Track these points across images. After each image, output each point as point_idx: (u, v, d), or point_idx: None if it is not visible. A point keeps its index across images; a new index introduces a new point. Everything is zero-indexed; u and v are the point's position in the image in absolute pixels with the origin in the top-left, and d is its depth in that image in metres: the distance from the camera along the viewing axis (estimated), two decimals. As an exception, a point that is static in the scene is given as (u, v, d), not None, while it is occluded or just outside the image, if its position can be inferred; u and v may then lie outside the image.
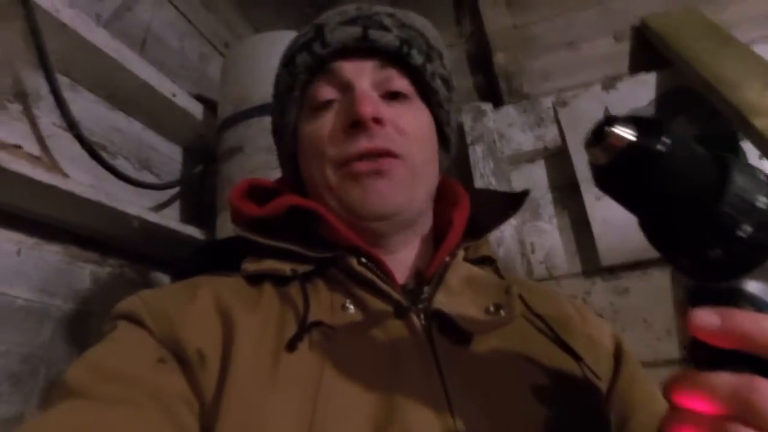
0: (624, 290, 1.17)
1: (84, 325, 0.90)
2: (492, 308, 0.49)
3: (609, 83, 1.36)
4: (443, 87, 0.59)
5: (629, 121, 0.27)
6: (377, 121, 0.51)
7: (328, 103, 0.54)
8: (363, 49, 0.54)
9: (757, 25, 1.40)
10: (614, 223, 1.15)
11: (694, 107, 1.27)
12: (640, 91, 1.33)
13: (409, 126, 0.54)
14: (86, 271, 0.94)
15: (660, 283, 1.13)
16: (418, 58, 0.55)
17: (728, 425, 0.25)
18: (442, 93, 0.58)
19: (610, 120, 0.27)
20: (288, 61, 0.57)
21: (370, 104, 0.51)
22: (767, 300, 0.27)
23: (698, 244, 0.28)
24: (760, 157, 1.16)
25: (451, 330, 0.46)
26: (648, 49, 1.44)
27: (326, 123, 0.54)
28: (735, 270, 0.28)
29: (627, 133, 0.26)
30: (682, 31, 1.34)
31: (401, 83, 0.55)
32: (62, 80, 0.88)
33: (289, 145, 0.59)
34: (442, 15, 1.76)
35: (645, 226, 0.31)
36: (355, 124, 0.51)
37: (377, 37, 0.54)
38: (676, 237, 0.29)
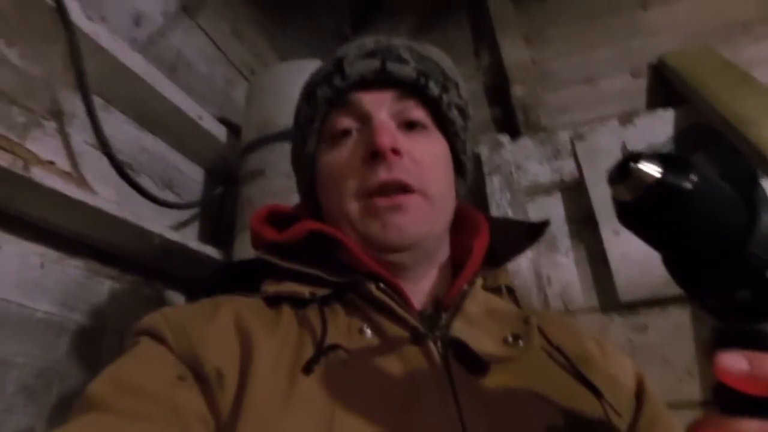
0: (642, 327, 1.15)
1: (99, 341, 0.91)
2: (510, 338, 0.49)
3: (626, 118, 1.37)
4: (459, 117, 0.60)
5: (655, 157, 0.26)
6: (395, 152, 0.52)
7: (346, 133, 0.56)
8: (381, 81, 0.56)
9: (775, 66, 1.41)
10: (633, 258, 1.14)
11: (712, 145, 1.28)
12: (658, 127, 1.33)
13: (426, 156, 0.55)
14: (105, 287, 0.95)
15: (680, 320, 1.10)
16: (435, 89, 0.57)
17: None
18: (458, 122, 0.60)
19: (635, 156, 0.26)
20: (309, 94, 0.59)
21: (389, 135, 0.52)
22: None
23: (726, 285, 0.27)
24: (780, 196, 1.16)
25: (468, 359, 0.46)
26: (665, 86, 1.46)
27: (345, 153, 0.55)
28: (763, 312, 0.27)
29: (653, 170, 0.26)
30: (700, 69, 1.36)
31: (418, 113, 0.56)
32: (96, 101, 0.92)
33: (307, 173, 0.61)
34: (462, 47, 1.80)
35: (669, 263, 0.30)
36: (374, 155, 0.52)
37: (395, 69, 0.55)
38: (702, 277, 0.28)
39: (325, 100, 0.57)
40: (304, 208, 0.65)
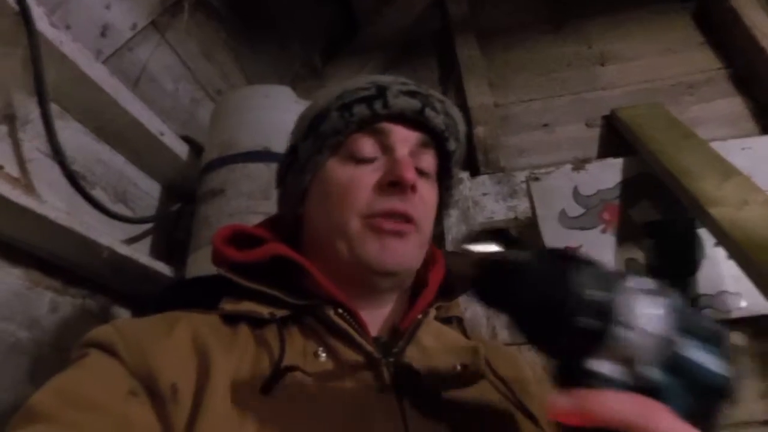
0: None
1: (35, 354, 0.86)
2: (459, 367, 0.51)
3: (579, 164, 1.45)
4: (456, 174, 0.66)
5: (490, 237, 0.34)
6: (413, 188, 0.55)
7: (368, 159, 0.58)
8: (414, 121, 0.59)
9: (715, 125, 1.53)
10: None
11: (656, 194, 1.36)
12: (607, 174, 1.41)
13: (429, 200, 0.59)
14: (46, 298, 0.91)
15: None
16: (452, 145, 0.61)
17: None
18: (454, 179, 0.65)
19: (477, 236, 0.33)
20: (344, 107, 0.59)
21: (413, 173, 0.55)
22: (611, 375, 0.31)
23: (551, 335, 0.33)
24: (716, 245, 1.23)
25: (418, 385, 0.48)
26: (616, 137, 1.55)
27: (365, 175, 0.57)
28: (581, 352, 0.32)
29: (488, 249, 0.33)
30: (648, 123, 1.45)
31: (430, 164, 0.60)
32: (53, 108, 0.90)
33: (306, 182, 0.61)
34: (429, 87, 1.85)
35: (513, 322, 0.35)
36: (394, 184, 0.55)
37: (431, 116, 0.59)
38: (536, 331, 0.34)
39: (360, 120, 0.58)
40: (272, 226, 0.65)
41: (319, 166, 0.60)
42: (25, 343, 0.85)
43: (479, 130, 1.63)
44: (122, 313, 1.07)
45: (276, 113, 1.15)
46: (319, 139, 0.60)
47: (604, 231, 1.34)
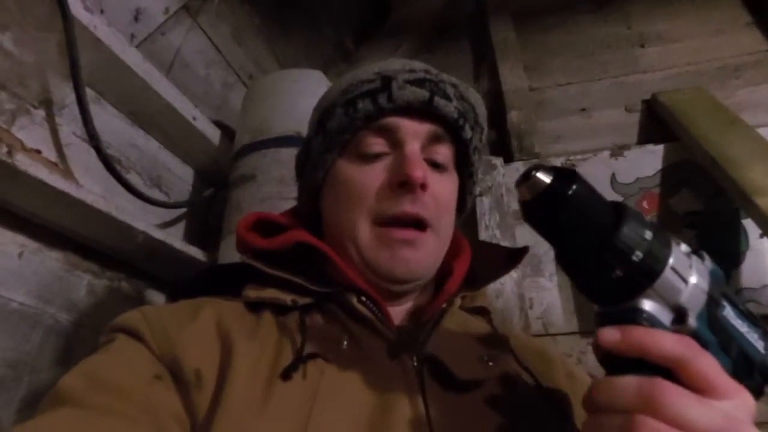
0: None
1: (73, 336, 0.89)
2: (485, 357, 0.51)
3: (617, 151, 1.40)
4: (477, 160, 0.62)
5: (550, 169, 0.33)
6: (423, 187, 0.53)
7: (377, 156, 0.56)
8: (423, 111, 0.56)
9: (763, 110, 1.45)
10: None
11: (699, 182, 1.30)
12: (647, 161, 1.36)
13: (444, 195, 0.56)
14: (84, 281, 0.93)
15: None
16: (468, 132, 0.58)
17: (637, 418, 0.29)
18: (476, 165, 0.62)
19: (537, 167, 0.33)
20: (348, 103, 0.57)
21: (422, 169, 0.53)
22: (658, 317, 0.33)
23: (602, 269, 0.33)
24: (761, 236, 1.18)
25: (442, 375, 0.47)
26: (657, 122, 1.49)
27: (370, 174, 0.55)
28: (632, 290, 0.33)
29: (545, 177, 0.33)
30: (691, 108, 1.39)
31: (446, 156, 0.58)
32: (89, 93, 0.91)
33: (318, 179, 0.60)
34: (462, 71, 1.82)
35: (559, 257, 0.36)
36: (403, 185, 0.52)
37: (441, 105, 0.55)
38: (583, 264, 0.34)
39: (365, 116, 0.56)
40: (296, 214, 0.65)
41: (329, 164, 0.58)
42: (63, 324, 0.87)
43: (513, 115, 1.59)
44: (156, 297, 1.09)
45: (307, 98, 1.13)
46: (327, 136, 0.58)
47: (643, 220, 1.29)
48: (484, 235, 1.27)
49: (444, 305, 0.55)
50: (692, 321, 0.32)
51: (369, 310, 0.50)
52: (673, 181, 1.34)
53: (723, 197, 1.24)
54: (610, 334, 0.32)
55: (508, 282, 1.18)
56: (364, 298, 0.51)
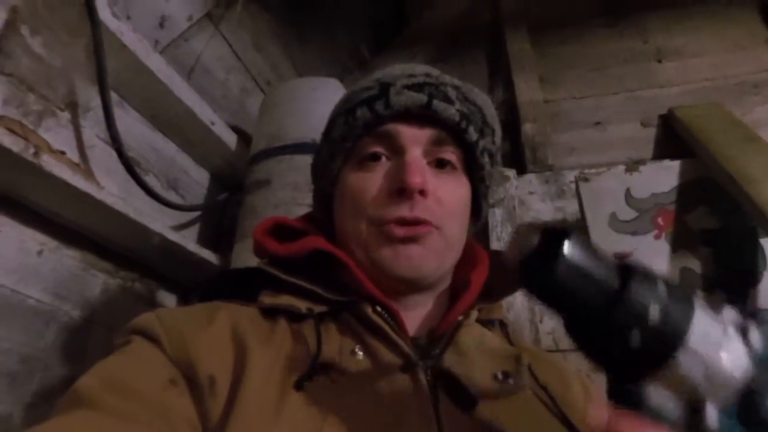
0: (631, 373, 1.14)
1: (85, 333, 0.90)
2: (500, 375, 0.49)
3: (632, 166, 1.39)
4: (488, 163, 0.60)
5: (537, 229, 0.31)
6: (422, 192, 0.52)
7: (376, 157, 0.55)
8: (423, 116, 0.55)
9: (782, 128, 1.43)
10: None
11: (715, 199, 1.29)
12: (663, 177, 1.35)
13: (450, 198, 0.55)
14: (99, 280, 0.95)
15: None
16: (473, 135, 0.56)
17: None
18: (486, 168, 0.60)
19: (521, 226, 0.30)
20: (348, 111, 0.57)
21: (420, 175, 0.52)
22: (666, 409, 0.28)
23: (602, 343, 0.30)
24: (780, 256, 1.16)
25: (456, 391, 0.46)
26: (673, 138, 1.48)
27: (371, 180, 0.55)
28: (636, 371, 0.29)
29: (533, 238, 0.30)
30: (708, 124, 1.38)
31: (451, 155, 0.56)
32: (113, 96, 0.93)
33: (328, 188, 0.60)
34: (477, 82, 1.81)
35: (567, 327, 0.33)
36: (401, 192, 0.52)
37: (440, 108, 0.54)
38: (588, 335, 0.30)
39: (364, 124, 0.55)
40: (312, 221, 0.65)
41: (335, 172, 0.59)
42: (77, 322, 0.89)
43: (527, 127, 1.59)
44: (168, 298, 1.11)
45: (323, 105, 1.14)
46: (331, 145, 0.59)
47: (657, 237, 1.28)
48: (495, 246, 1.26)
49: (460, 318, 0.53)
50: (711, 414, 0.27)
51: (384, 320, 0.50)
52: (689, 197, 1.32)
53: (740, 215, 1.23)
54: (599, 417, 0.29)
55: (518, 295, 1.18)
56: (379, 308, 0.50)
